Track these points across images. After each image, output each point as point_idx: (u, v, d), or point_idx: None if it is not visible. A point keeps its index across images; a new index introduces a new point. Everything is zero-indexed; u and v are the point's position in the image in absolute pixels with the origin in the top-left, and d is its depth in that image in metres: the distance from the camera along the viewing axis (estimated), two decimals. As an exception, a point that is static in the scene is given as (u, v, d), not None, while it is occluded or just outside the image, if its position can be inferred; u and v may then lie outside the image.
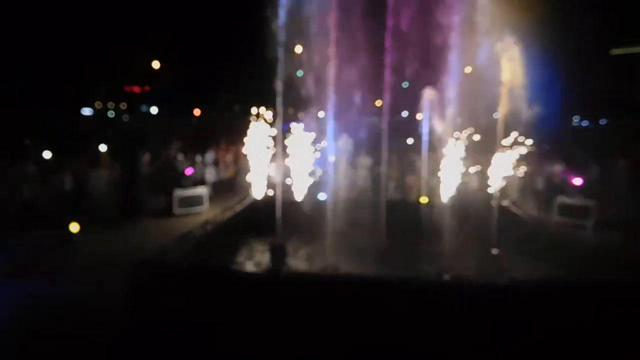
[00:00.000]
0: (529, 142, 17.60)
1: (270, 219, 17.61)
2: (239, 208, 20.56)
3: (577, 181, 24.89)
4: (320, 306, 11.31)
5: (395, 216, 18.61)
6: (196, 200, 25.57)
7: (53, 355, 11.22)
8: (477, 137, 18.76)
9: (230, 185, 30.48)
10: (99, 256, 17.74)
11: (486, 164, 18.49)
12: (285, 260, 17.01)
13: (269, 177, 18.99)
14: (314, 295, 11.55)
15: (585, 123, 63.64)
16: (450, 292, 11.72)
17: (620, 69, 58.26)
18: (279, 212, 17.48)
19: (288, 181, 18.63)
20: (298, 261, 17.34)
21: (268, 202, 18.67)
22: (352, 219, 17.90)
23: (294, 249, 18.16)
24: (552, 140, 30.70)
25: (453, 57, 17.91)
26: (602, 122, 62.08)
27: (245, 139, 18.58)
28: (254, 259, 17.80)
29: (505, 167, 17.73)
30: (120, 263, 12.41)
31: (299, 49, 19.49)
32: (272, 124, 18.67)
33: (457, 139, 18.71)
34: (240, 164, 30.34)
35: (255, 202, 20.11)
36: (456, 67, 18.02)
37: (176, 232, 15.95)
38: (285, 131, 18.56)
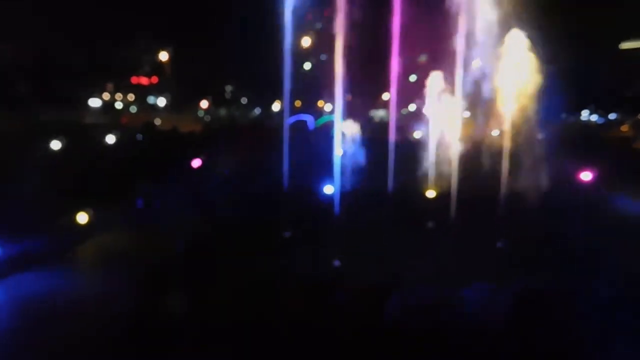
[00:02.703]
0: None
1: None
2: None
3: (586, 176, 24.25)
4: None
5: None
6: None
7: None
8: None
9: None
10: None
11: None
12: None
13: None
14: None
15: (595, 117, 63.18)
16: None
17: (630, 63, 57.80)
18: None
19: None
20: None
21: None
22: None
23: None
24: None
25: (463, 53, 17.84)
26: (612, 116, 61.65)
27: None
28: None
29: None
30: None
31: (306, 41, 19.47)
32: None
33: None
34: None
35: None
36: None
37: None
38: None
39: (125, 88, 67.84)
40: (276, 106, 21.36)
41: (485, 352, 10.78)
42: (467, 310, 11.68)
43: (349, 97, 20.10)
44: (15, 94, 41.16)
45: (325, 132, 20.96)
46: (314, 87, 19.87)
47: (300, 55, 19.34)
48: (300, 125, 26.56)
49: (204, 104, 65.95)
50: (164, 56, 63.62)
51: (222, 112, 66.18)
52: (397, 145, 20.52)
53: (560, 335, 11.35)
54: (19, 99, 40.99)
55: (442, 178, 20.17)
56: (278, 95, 20.15)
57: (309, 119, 29.39)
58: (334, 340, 11.11)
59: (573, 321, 11.81)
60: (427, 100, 21.65)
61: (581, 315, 12.00)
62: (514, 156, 18.95)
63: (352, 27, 17.98)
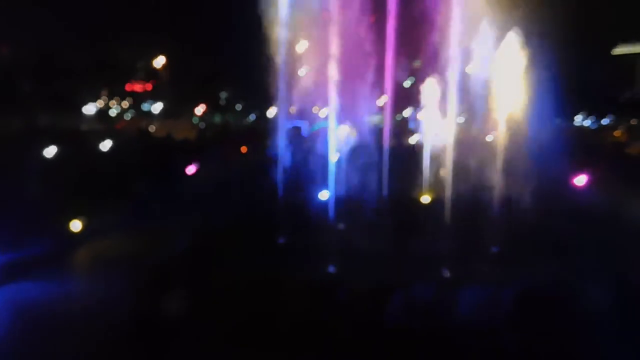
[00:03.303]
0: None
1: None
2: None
3: (580, 180, 24.33)
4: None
5: None
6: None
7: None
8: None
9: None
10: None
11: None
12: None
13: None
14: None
15: (587, 122, 63.58)
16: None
17: (622, 68, 58.23)
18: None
19: None
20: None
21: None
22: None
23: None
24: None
25: (454, 56, 17.92)
26: (605, 121, 62.03)
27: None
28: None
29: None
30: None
31: (301, 47, 19.53)
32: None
33: None
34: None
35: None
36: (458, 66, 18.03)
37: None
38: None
39: (120, 94, 67.92)
40: (271, 112, 21.43)
41: (489, 350, 10.86)
42: (468, 310, 11.75)
43: (344, 103, 20.17)
44: (11, 99, 41.16)
45: (320, 138, 21.02)
46: (308, 93, 19.91)
47: (295, 61, 19.39)
48: (294, 132, 26.61)
49: (199, 110, 66.07)
50: (158, 63, 63.76)
51: (217, 118, 66.23)
52: (392, 150, 20.61)
53: (560, 335, 11.45)
54: (15, 104, 40.99)
55: (436, 183, 20.26)
56: (272, 102, 20.17)
57: (303, 125, 29.46)
58: (334, 340, 11.14)
59: (573, 321, 11.90)
60: (422, 105, 21.78)
61: (580, 315, 12.10)
62: (508, 161, 19.04)
63: (347, 33, 18.07)
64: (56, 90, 47.79)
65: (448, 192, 18.70)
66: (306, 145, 23.08)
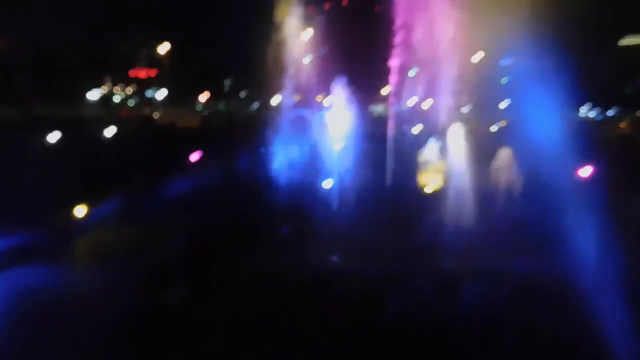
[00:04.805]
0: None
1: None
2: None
3: (584, 172, 24.08)
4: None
5: None
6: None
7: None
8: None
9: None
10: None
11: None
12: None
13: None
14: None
15: (592, 113, 63.22)
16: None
17: (629, 60, 57.94)
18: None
19: None
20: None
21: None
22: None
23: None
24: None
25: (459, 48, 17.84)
26: (610, 113, 61.70)
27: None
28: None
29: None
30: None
31: (306, 35, 19.46)
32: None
33: None
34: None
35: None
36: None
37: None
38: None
39: (124, 81, 67.70)
40: (275, 100, 21.43)
41: (490, 345, 10.84)
42: (468, 303, 11.74)
43: (348, 91, 20.09)
44: (13, 87, 41.11)
45: (324, 127, 20.95)
46: (313, 81, 19.85)
47: (300, 49, 19.30)
48: (298, 120, 26.56)
49: (203, 97, 65.83)
50: (162, 49, 63.45)
51: (221, 106, 66.10)
52: (396, 140, 20.52)
53: (562, 328, 11.41)
54: (17, 91, 40.93)
55: (440, 173, 20.19)
56: (277, 90, 20.11)
57: (307, 113, 29.38)
58: (335, 333, 11.12)
59: (574, 314, 11.83)
60: (426, 95, 21.67)
61: (581, 309, 12.02)
62: (512, 151, 18.97)
63: (352, 21, 18.00)
64: (59, 78, 47.70)
65: (451, 182, 18.67)
66: (310, 134, 23.03)
